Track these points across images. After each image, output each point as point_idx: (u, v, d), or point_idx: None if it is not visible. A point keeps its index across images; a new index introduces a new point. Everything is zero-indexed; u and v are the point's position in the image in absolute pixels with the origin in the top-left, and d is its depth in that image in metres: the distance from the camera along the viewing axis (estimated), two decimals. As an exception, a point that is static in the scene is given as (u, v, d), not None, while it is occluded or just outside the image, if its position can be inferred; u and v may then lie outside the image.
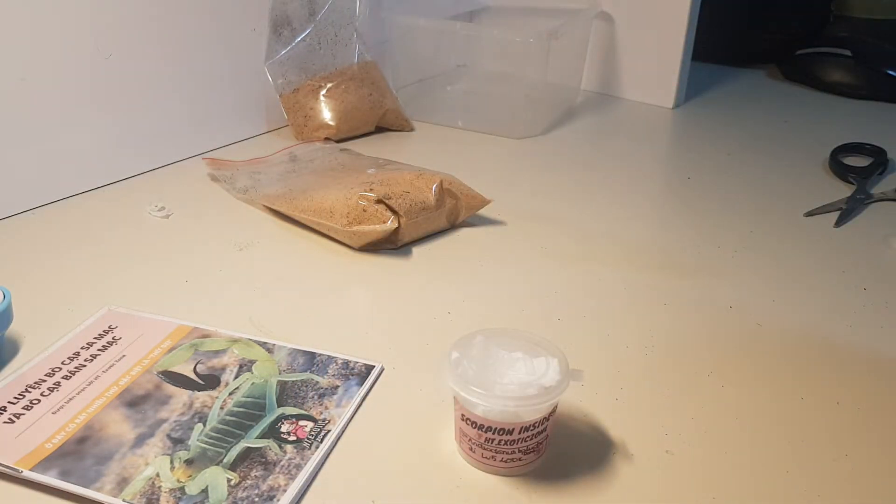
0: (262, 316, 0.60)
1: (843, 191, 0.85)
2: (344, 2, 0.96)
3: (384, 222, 0.68)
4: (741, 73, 1.29)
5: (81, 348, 0.55)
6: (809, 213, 0.79)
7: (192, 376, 0.53)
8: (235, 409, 0.50)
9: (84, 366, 0.53)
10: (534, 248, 0.71)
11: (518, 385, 0.43)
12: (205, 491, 0.43)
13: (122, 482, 0.44)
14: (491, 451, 0.44)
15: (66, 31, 0.74)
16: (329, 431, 0.48)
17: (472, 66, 1.21)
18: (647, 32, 1.09)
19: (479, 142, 0.97)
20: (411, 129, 1.01)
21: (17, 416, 0.48)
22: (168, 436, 0.47)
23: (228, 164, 0.84)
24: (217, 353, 0.55)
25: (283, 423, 0.48)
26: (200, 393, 0.51)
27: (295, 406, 0.50)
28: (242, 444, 0.47)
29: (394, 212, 0.69)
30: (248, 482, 0.44)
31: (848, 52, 1.17)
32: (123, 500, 0.42)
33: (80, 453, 0.46)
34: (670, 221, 0.77)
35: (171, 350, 0.55)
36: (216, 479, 0.44)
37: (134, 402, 0.50)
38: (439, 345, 0.57)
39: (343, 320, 0.60)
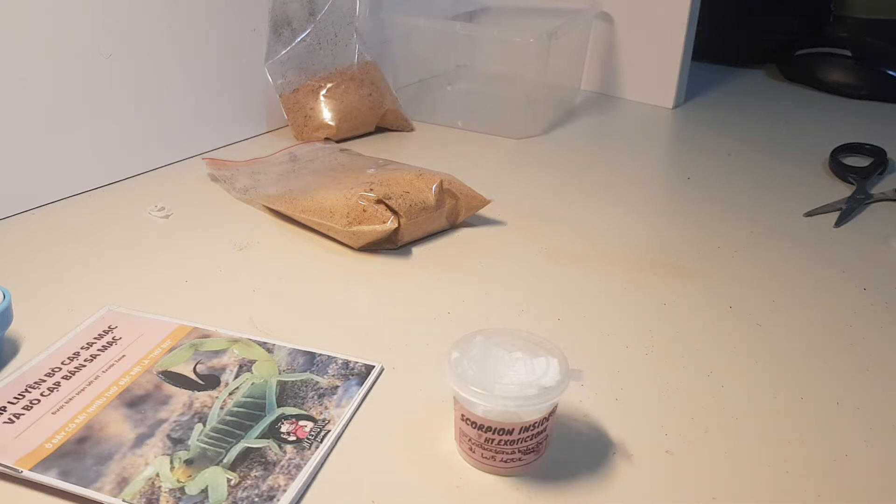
0: (262, 316, 0.60)
1: (843, 191, 0.85)
2: (344, 2, 0.96)
3: (384, 222, 0.68)
4: (741, 73, 1.29)
5: (81, 348, 0.55)
6: (809, 213, 0.79)
7: (192, 376, 0.53)
8: (235, 409, 0.50)
9: (84, 366, 0.53)
10: (534, 248, 0.71)
11: (518, 385, 0.43)
12: (205, 491, 0.43)
13: (122, 482, 0.44)
14: (491, 451, 0.44)
15: (66, 31, 0.74)
16: (329, 431, 0.48)
17: (472, 66, 1.21)
18: (647, 32, 1.09)
19: (479, 142, 0.97)
20: (411, 129, 1.01)
21: (17, 416, 0.48)
22: (168, 436, 0.47)
23: (228, 164, 0.84)
24: (217, 353, 0.55)
25: (283, 423, 0.48)
26: (200, 393, 0.51)
27: (295, 406, 0.50)
28: (242, 444, 0.47)
29: (394, 212, 0.69)
30: (248, 482, 0.44)
31: (848, 53, 1.17)
32: (123, 500, 0.42)
33: (80, 453, 0.46)
34: (670, 221, 0.77)
35: (171, 350, 0.55)
36: (216, 479, 0.44)
37: (134, 402, 0.50)
38: (439, 345, 0.57)
39: (343, 320, 0.60)
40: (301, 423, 0.48)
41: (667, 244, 0.72)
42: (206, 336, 0.57)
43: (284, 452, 0.46)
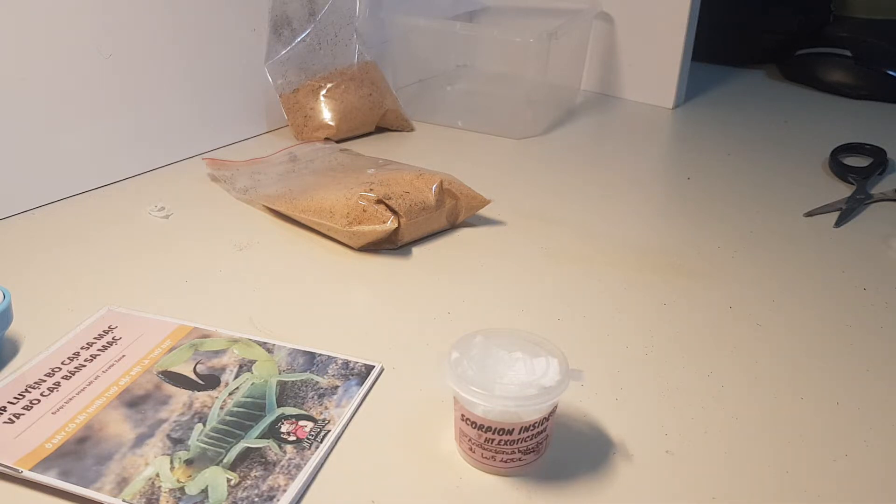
0: (262, 316, 0.60)
1: (843, 191, 0.85)
2: (344, 2, 0.96)
3: (384, 222, 0.68)
4: (741, 73, 1.29)
5: (81, 348, 0.55)
6: (809, 213, 0.79)
7: (192, 376, 0.53)
8: (235, 409, 0.50)
9: (84, 366, 0.53)
10: (534, 248, 0.71)
11: (518, 385, 0.43)
12: (205, 491, 0.43)
13: (122, 482, 0.44)
14: (491, 451, 0.44)
15: (66, 31, 0.74)
16: (329, 431, 0.48)
17: (472, 66, 1.21)
18: (647, 32, 1.09)
19: (479, 142, 0.97)
20: (411, 129, 1.01)
21: (17, 416, 0.48)
22: (168, 436, 0.47)
23: (228, 164, 0.84)
24: (217, 353, 0.55)
25: (283, 423, 0.48)
26: (200, 393, 0.51)
27: (295, 406, 0.50)
28: (242, 445, 0.47)
29: (394, 212, 0.69)
30: (248, 482, 0.44)
31: (848, 53, 1.17)
32: (123, 500, 0.42)
33: (80, 453, 0.46)
34: (670, 221, 0.77)
35: (171, 350, 0.55)
36: (216, 479, 0.44)
37: (134, 402, 0.50)
38: (439, 345, 0.57)
39: (343, 320, 0.60)
40: (301, 423, 0.48)
41: (667, 244, 0.72)
42: (206, 336, 0.57)
43: (284, 452, 0.46)
